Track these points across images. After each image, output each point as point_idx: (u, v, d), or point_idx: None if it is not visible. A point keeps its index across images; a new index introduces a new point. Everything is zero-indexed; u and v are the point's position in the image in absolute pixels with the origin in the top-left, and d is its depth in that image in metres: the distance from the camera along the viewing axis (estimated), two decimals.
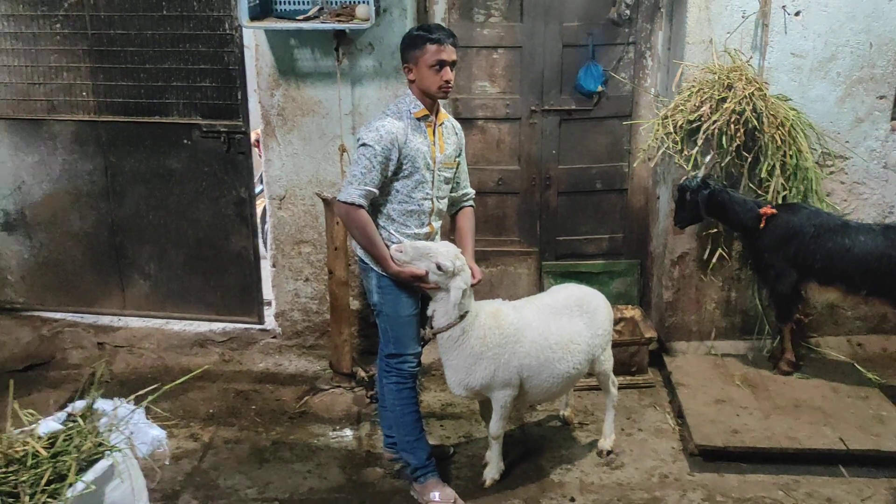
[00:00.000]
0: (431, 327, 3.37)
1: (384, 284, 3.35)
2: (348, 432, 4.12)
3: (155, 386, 2.81)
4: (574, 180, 4.93)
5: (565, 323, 3.53)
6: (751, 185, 4.36)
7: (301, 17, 4.28)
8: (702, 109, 4.20)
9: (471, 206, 3.66)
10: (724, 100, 4.16)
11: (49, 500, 2.48)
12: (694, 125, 4.23)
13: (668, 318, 4.72)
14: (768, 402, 4.08)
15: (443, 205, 3.47)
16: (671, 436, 4.05)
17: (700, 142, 4.21)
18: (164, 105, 4.65)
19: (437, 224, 3.46)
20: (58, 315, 5.05)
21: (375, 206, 3.32)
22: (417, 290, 3.36)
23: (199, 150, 4.70)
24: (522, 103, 4.80)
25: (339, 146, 4.40)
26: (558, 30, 4.68)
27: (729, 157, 4.27)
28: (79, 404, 2.83)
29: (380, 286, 3.36)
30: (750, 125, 4.15)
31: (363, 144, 3.21)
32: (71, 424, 2.74)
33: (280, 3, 4.38)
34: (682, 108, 4.27)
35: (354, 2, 4.30)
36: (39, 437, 2.67)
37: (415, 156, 3.26)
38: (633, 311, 4.81)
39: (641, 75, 4.76)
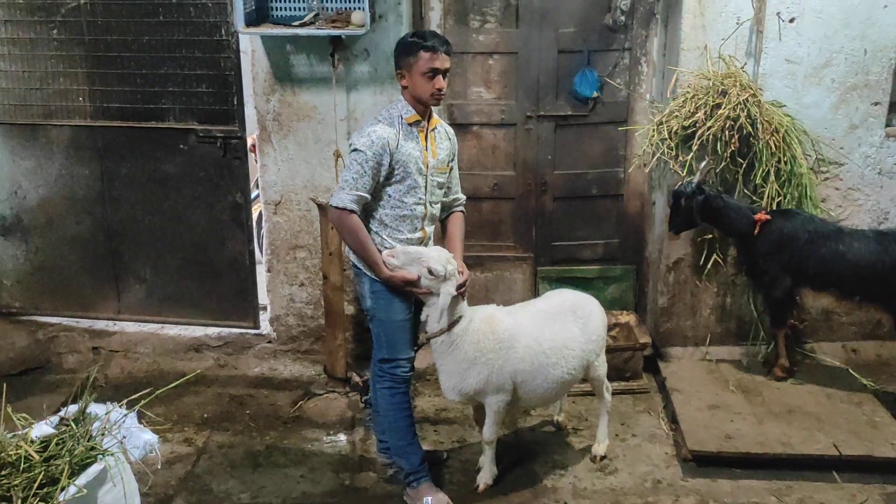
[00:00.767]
0: (425, 332, 3.38)
1: (377, 289, 3.36)
2: (342, 437, 4.13)
3: (147, 391, 2.81)
4: (569, 186, 4.94)
5: (559, 328, 3.54)
6: (745, 191, 4.37)
7: (297, 23, 4.29)
8: (696, 115, 4.22)
9: (461, 211, 3.66)
10: (718, 106, 4.18)
11: (41, 503, 2.48)
12: (689, 131, 4.25)
13: (664, 323, 4.73)
14: (762, 408, 4.09)
15: (435, 210, 3.47)
16: (665, 441, 4.05)
17: (695, 148, 4.23)
18: (161, 110, 4.66)
19: (429, 229, 3.47)
20: (53, 320, 5.05)
21: (368, 211, 3.33)
22: (410, 295, 3.36)
23: (196, 155, 4.71)
24: (518, 109, 4.81)
25: (335, 151, 4.40)
26: (554, 36, 4.69)
27: (724, 164, 4.29)
28: (72, 409, 2.83)
29: (373, 291, 3.37)
30: (744, 131, 4.17)
31: (355, 150, 3.23)
32: (64, 429, 2.75)
33: (276, 9, 4.40)
34: (676, 114, 4.29)
35: (350, 8, 4.31)
36: (32, 441, 2.67)
37: (406, 161, 3.27)
38: (628, 317, 4.82)
39: (637, 81, 4.78)
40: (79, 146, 4.78)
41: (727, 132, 4.17)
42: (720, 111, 4.16)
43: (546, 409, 4.25)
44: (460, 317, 3.33)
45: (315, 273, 4.72)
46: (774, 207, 4.27)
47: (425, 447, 3.79)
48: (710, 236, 4.50)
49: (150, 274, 4.96)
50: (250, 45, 4.48)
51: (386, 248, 3.31)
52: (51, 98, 4.72)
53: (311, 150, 4.59)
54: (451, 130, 3.57)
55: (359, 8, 4.22)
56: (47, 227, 4.95)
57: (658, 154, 4.34)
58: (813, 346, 4.70)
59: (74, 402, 2.96)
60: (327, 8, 4.37)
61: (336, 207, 3.23)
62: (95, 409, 2.83)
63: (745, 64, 4.31)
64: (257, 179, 4.85)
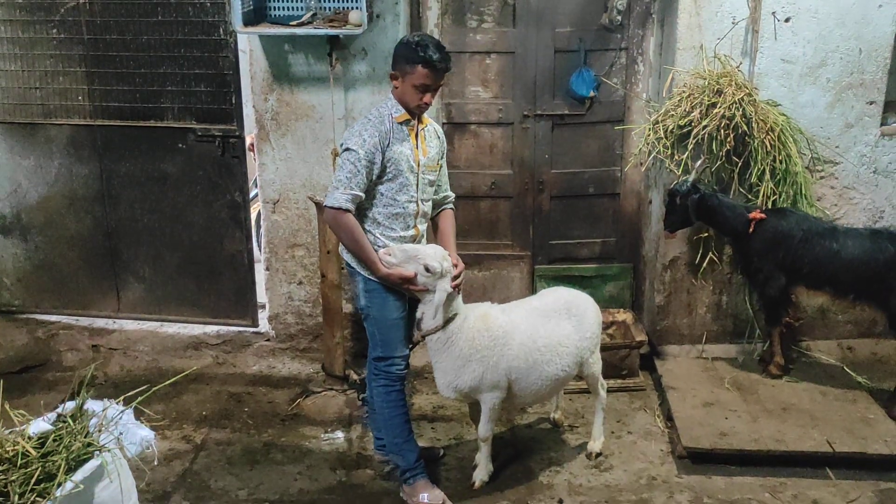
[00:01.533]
0: (420, 330, 3.40)
1: (371, 288, 3.38)
2: (339, 434, 4.15)
3: (143, 387, 2.83)
4: (567, 184, 4.96)
5: (553, 326, 3.56)
6: (741, 189, 4.39)
7: (294, 22, 4.31)
8: (692, 115, 4.23)
9: (451, 208, 3.68)
10: (714, 105, 4.19)
11: (38, 499, 2.50)
12: (684, 130, 4.26)
13: (660, 321, 4.75)
14: (757, 406, 4.11)
15: (427, 207, 3.50)
16: (660, 438, 4.07)
17: (690, 147, 4.24)
18: (159, 109, 4.69)
19: (422, 227, 3.50)
20: (53, 318, 5.08)
21: (361, 210, 3.35)
22: (404, 293, 3.39)
23: (194, 154, 4.73)
24: (515, 108, 4.83)
25: (332, 150, 4.42)
26: (550, 35, 4.71)
27: (719, 162, 4.30)
28: (69, 405, 2.86)
29: (367, 290, 3.39)
30: (740, 130, 4.18)
31: (347, 149, 3.25)
32: (61, 425, 2.77)
33: (274, 8, 4.42)
34: (672, 113, 4.30)
35: (348, 8, 4.34)
36: (30, 438, 2.69)
37: (398, 159, 3.30)
38: (624, 315, 4.84)
39: (633, 81, 4.80)
40: (78, 145, 4.81)
41: (723, 131, 4.18)
42: (716, 110, 4.17)
43: (542, 406, 4.27)
44: (455, 314, 3.35)
45: (313, 271, 4.75)
46: (769, 206, 4.28)
47: (422, 444, 3.82)
48: (706, 235, 4.52)
49: (150, 272, 4.99)
50: (248, 44, 4.51)
51: (380, 246, 3.34)
52: (50, 97, 4.75)
53: (309, 149, 4.61)
54: (439, 129, 3.59)
55: (356, 8, 4.24)
56: (47, 226, 4.98)
57: (654, 153, 4.36)
58: (808, 343, 4.71)
59: (72, 399, 2.98)
60: (325, 7, 4.40)
61: (331, 207, 3.25)
62: (93, 405, 2.85)
63: (741, 63, 4.33)
64: (256, 178, 4.87)
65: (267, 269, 4.86)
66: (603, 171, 4.96)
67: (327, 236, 4.30)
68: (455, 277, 3.32)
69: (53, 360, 4.86)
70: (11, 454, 2.59)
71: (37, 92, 4.76)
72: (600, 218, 5.06)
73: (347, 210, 3.24)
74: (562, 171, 4.94)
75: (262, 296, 4.99)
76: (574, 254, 5.09)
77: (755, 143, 4.21)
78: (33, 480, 2.52)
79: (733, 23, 4.30)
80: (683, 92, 4.31)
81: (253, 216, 5.10)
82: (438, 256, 3.27)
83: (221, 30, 4.50)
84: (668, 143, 4.31)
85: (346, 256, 3.45)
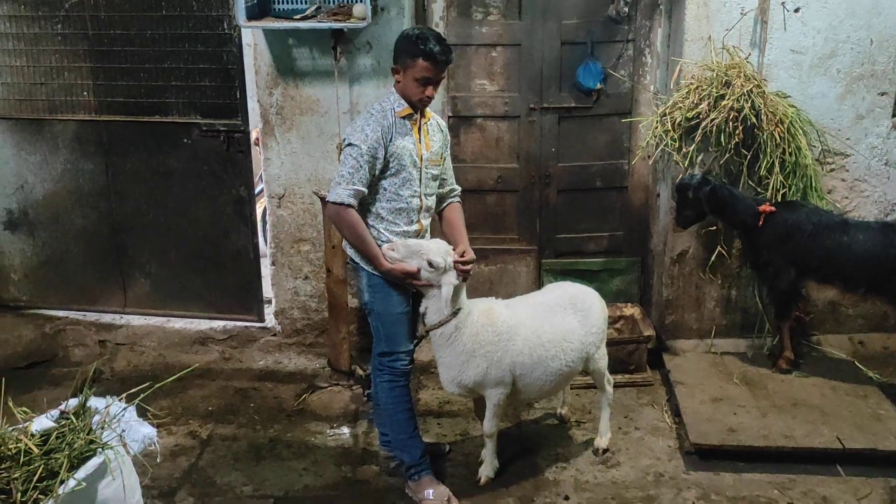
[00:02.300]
0: (424, 324, 3.38)
1: (374, 283, 3.36)
2: (345, 430, 4.14)
3: (146, 384, 2.82)
4: (573, 178, 4.92)
5: (559, 321, 3.53)
6: (750, 182, 4.34)
7: (298, 16, 4.29)
8: (700, 107, 4.18)
9: (458, 201, 3.65)
10: (722, 97, 4.15)
11: (41, 496, 2.49)
12: (692, 123, 4.22)
13: (668, 316, 4.71)
14: (766, 401, 4.07)
15: (431, 202, 3.47)
16: (668, 434, 4.04)
17: (697, 139, 4.20)
18: (164, 104, 4.68)
19: (426, 221, 3.47)
20: (60, 313, 5.09)
21: (364, 205, 3.32)
22: (408, 288, 3.36)
23: (199, 149, 4.72)
24: (521, 101, 4.79)
25: (337, 145, 4.40)
26: (557, 27, 4.67)
27: (728, 155, 4.26)
28: (72, 402, 2.85)
29: (370, 285, 3.37)
30: (748, 122, 4.13)
31: (350, 144, 3.23)
32: (64, 422, 2.76)
33: (278, 2, 4.40)
34: (680, 105, 4.26)
35: (351, 1, 4.31)
36: (32, 435, 2.68)
37: (401, 153, 3.27)
38: (632, 310, 4.81)
39: (641, 73, 4.75)
40: (83, 140, 4.81)
41: (731, 123, 4.13)
42: (724, 102, 4.12)
43: (549, 402, 4.25)
44: (459, 309, 3.33)
45: (319, 266, 4.73)
46: (779, 199, 4.23)
47: (428, 440, 3.81)
48: (714, 228, 4.47)
49: (156, 267, 4.99)
50: (253, 38, 4.49)
51: (383, 241, 3.31)
52: (55, 93, 4.75)
53: (314, 144, 4.59)
54: (443, 123, 3.57)
55: (360, 1, 4.21)
56: (53, 222, 4.99)
57: (661, 146, 4.31)
58: (819, 338, 4.66)
59: (75, 395, 2.98)
60: (329, 1, 4.38)
61: (334, 203, 3.23)
62: (95, 402, 2.84)
63: (750, 54, 4.28)
64: (262, 174, 4.86)
65: (273, 264, 4.85)
66: (610, 165, 4.91)
67: (332, 231, 4.28)
68: (465, 264, 3.30)
69: (60, 356, 4.87)
70: (14, 451, 2.57)
71: (42, 87, 4.76)
72: (608, 211, 5.02)
73: (350, 205, 3.22)
74: (569, 164, 4.90)
75: (268, 291, 4.98)
76: (581, 248, 5.05)
77: (764, 136, 4.16)
78: (36, 478, 2.51)
79: (742, 13, 4.25)
80: (691, 84, 4.27)
81: (259, 212, 5.09)
82: (442, 251, 3.25)
83: (225, 24, 4.48)
84: (676, 136, 4.26)
85: (350, 252, 3.43)
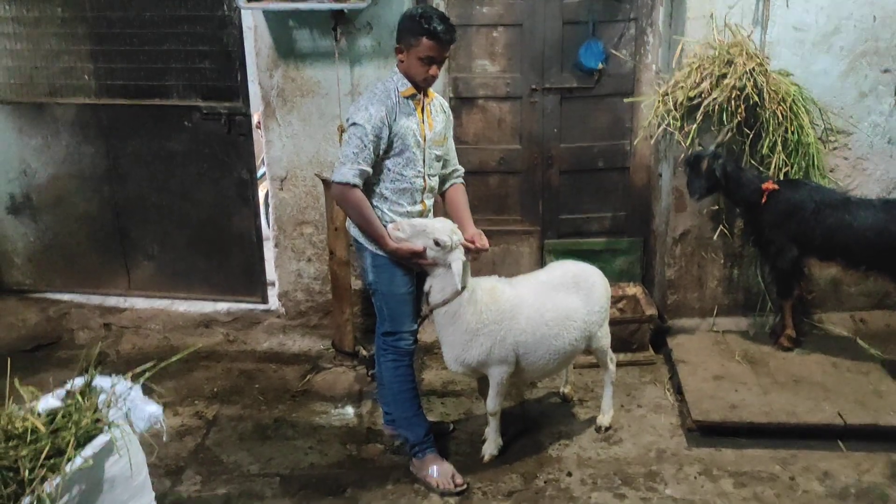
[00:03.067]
0: (428, 303, 3.39)
1: (379, 263, 3.36)
2: (350, 410, 4.17)
3: (151, 363, 2.84)
4: (576, 159, 4.92)
5: (561, 299, 3.54)
6: (752, 161, 4.33)
7: None
8: (702, 86, 4.17)
9: (461, 182, 3.65)
10: (724, 76, 4.13)
11: (48, 474, 2.52)
12: (694, 102, 4.20)
13: (671, 295, 4.72)
14: (768, 378, 4.08)
15: (434, 182, 3.47)
16: (670, 412, 4.06)
17: (699, 118, 4.19)
18: (165, 87, 4.68)
19: (429, 202, 3.47)
20: (64, 296, 5.12)
21: (368, 185, 3.32)
22: (412, 267, 3.37)
23: (200, 132, 4.72)
24: (523, 82, 4.78)
25: (339, 126, 4.39)
26: (558, 7, 4.65)
27: (730, 134, 4.25)
28: (78, 382, 2.87)
29: (374, 265, 3.38)
30: (751, 101, 4.11)
31: (354, 124, 3.22)
32: (70, 401, 2.78)
33: None
34: (682, 84, 4.24)
35: None
36: (39, 414, 2.70)
37: (405, 133, 3.27)
38: (634, 289, 4.81)
39: (643, 52, 4.73)
40: (84, 124, 4.81)
41: (733, 102, 4.11)
42: (726, 81, 4.10)
43: (552, 380, 4.27)
44: (463, 287, 3.33)
45: (322, 248, 4.74)
46: (782, 177, 4.23)
47: (432, 419, 3.83)
48: (717, 207, 4.47)
49: (159, 250, 5.01)
50: (253, 20, 4.47)
51: (387, 221, 3.32)
52: (56, 76, 4.75)
53: (315, 126, 4.59)
54: (445, 103, 3.56)
55: None
56: (56, 206, 5.00)
57: (664, 125, 4.30)
58: (821, 316, 4.67)
59: (81, 376, 3.00)
60: None
61: (339, 183, 3.23)
62: (101, 382, 2.86)
63: (752, 32, 4.25)
64: (263, 157, 4.86)
65: (276, 246, 4.86)
66: (612, 145, 4.91)
67: (335, 213, 4.29)
68: (477, 250, 3.33)
69: (65, 339, 4.89)
70: (21, 430, 2.59)
71: (42, 71, 4.76)
72: (610, 192, 5.01)
73: (355, 185, 3.22)
74: (571, 145, 4.89)
75: (271, 273, 4.99)
76: (584, 228, 5.06)
77: (766, 114, 4.15)
78: (43, 456, 2.53)
79: None
80: (693, 62, 4.25)
81: (261, 195, 5.09)
82: (447, 230, 3.25)
83: (225, 6, 4.47)
84: (678, 116, 4.24)
85: (354, 232, 3.43)
